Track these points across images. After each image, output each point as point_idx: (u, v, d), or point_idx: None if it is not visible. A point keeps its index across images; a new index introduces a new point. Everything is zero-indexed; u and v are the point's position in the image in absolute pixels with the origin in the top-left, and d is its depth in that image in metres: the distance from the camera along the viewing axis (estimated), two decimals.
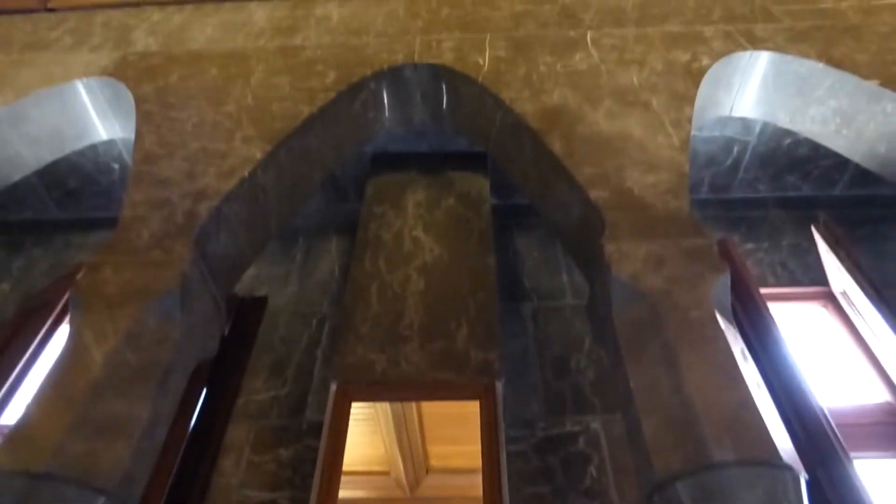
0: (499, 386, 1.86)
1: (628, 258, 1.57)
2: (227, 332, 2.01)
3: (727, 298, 1.58)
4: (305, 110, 2.17)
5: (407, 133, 2.72)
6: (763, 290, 2.11)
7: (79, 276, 1.69)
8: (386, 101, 2.43)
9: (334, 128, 2.32)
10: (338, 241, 2.71)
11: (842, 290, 2.40)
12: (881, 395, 2.12)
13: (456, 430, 3.30)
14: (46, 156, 2.49)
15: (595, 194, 1.77)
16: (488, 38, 2.41)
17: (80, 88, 2.46)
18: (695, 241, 1.60)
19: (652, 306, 1.48)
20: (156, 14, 2.77)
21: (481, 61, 2.30)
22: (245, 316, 2.17)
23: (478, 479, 1.77)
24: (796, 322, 2.50)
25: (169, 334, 1.60)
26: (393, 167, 2.69)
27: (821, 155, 2.80)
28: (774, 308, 2.02)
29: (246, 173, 1.95)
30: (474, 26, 2.48)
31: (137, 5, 2.84)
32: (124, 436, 1.33)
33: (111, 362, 1.45)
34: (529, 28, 2.45)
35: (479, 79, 2.23)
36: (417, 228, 2.39)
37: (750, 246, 2.76)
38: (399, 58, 2.36)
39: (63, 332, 2.35)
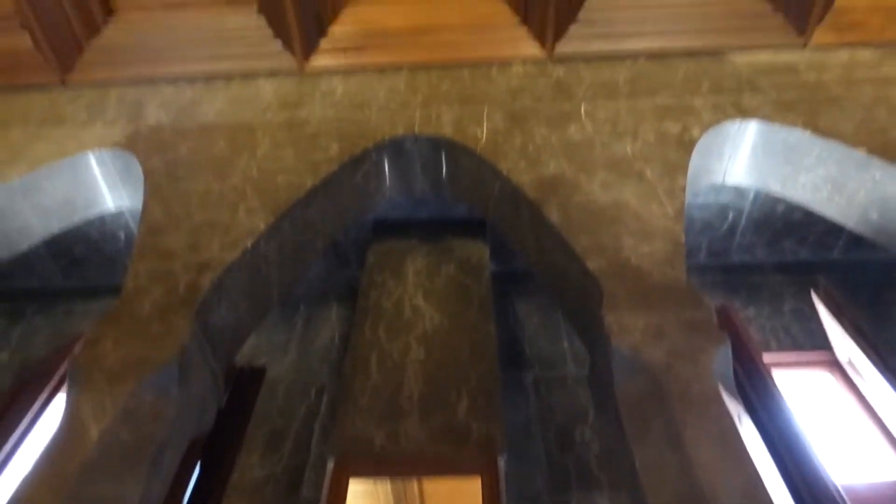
0: (501, 461, 1.81)
1: (628, 329, 1.57)
2: (223, 404, 1.98)
3: (729, 370, 1.56)
4: (309, 182, 2.23)
5: (407, 201, 2.78)
6: (766, 357, 2.08)
7: (78, 348, 1.69)
8: (387, 171, 2.50)
9: (337, 198, 2.38)
10: (338, 309, 2.72)
11: (847, 358, 2.38)
12: (893, 467, 2.05)
13: None
14: (55, 225, 2.54)
15: (593, 264, 1.79)
16: (486, 110, 2.51)
17: (92, 161, 2.55)
18: (694, 312, 1.60)
19: (654, 379, 1.46)
20: (168, 89, 2.90)
21: (479, 133, 2.39)
22: (243, 387, 2.15)
23: None
24: (802, 390, 2.45)
25: (164, 410, 1.58)
26: (394, 234, 2.73)
27: (815, 220, 2.84)
28: (779, 375, 1.99)
29: (249, 245, 1.98)
30: (472, 100, 2.59)
31: (152, 81, 2.98)
32: None
33: (105, 440, 1.43)
34: (525, 101, 2.55)
35: (478, 150, 2.30)
36: (418, 296, 2.40)
37: (751, 311, 2.75)
38: (400, 130, 2.45)
39: (60, 404, 2.32)
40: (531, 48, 2.86)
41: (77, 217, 2.57)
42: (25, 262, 2.71)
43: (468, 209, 2.74)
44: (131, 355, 1.65)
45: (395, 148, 2.46)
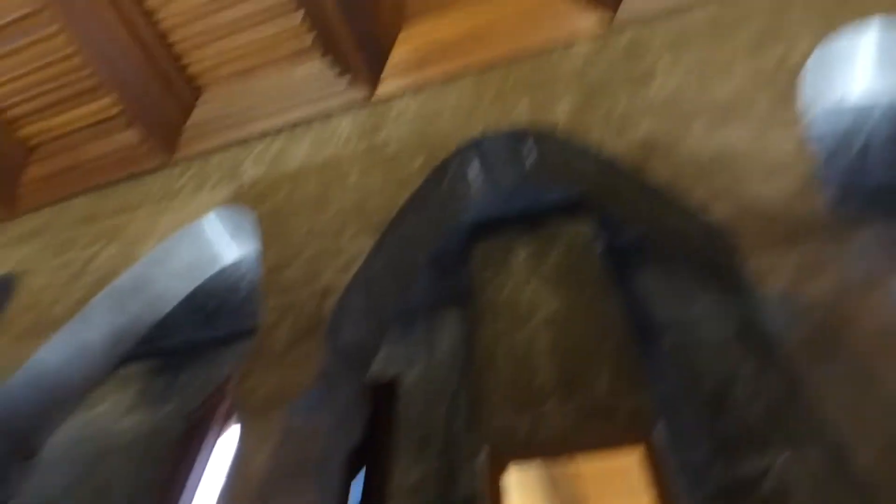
0: (656, 433, 1.70)
1: (776, 272, 1.43)
2: (367, 418, 2.04)
3: None
4: (400, 198, 2.28)
5: (499, 197, 2.76)
6: None
7: (231, 387, 1.82)
8: (473, 172, 2.50)
9: (429, 208, 2.41)
10: (454, 314, 2.72)
11: None
12: None
13: (619, 487, 2.99)
14: (188, 286, 2.79)
15: (717, 212, 1.66)
16: (559, 91, 2.45)
17: (207, 223, 2.78)
18: (846, 242, 1.43)
19: (821, 319, 1.31)
20: (258, 146, 3.12)
21: (557, 114, 2.33)
22: (381, 401, 2.21)
23: None
24: None
25: (317, 429, 1.66)
26: (492, 233, 2.72)
27: None
28: None
29: (359, 266, 2.05)
30: (543, 85, 2.54)
31: (244, 142, 3.22)
32: None
33: (272, 463, 1.51)
34: (597, 73, 2.47)
35: (560, 131, 2.25)
36: (530, 287, 2.36)
37: None
38: (477, 129, 2.45)
39: (229, 436, 2.56)
40: (590, 22, 2.77)
41: (203, 275, 2.80)
42: (170, 321, 2.99)
43: (563, 190, 2.67)
44: (278, 384, 1.74)
45: (477, 149, 2.46)
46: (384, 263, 2.20)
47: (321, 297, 1.95)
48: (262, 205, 2.63)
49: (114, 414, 3.00)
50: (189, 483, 2.28)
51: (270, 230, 2.42)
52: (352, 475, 1.86)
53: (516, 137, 2.43)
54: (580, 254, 2.46)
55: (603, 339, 2.09)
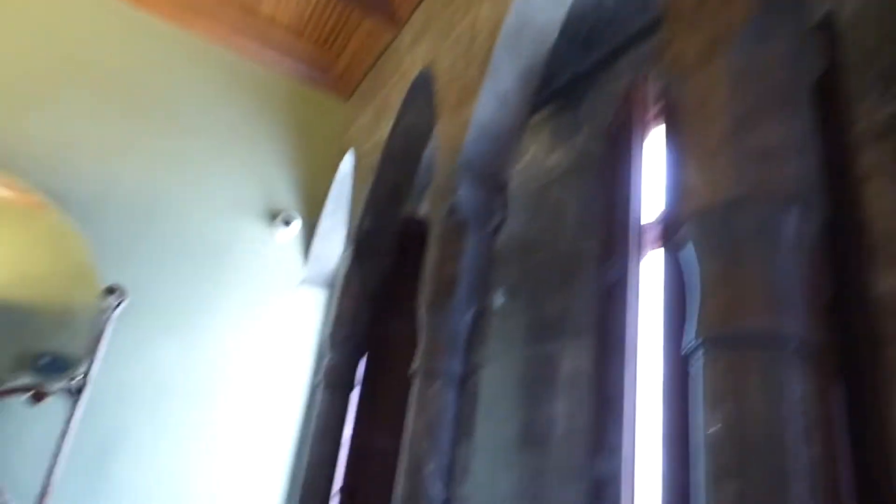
0: None
1: None
2: (821, 60, 1.78)
3: None
4: None
5: None
6: None
7: (662, 63, 1.80)
8: None
9: None
10: None
11: None
12: None
13: None
14: (560, 10, 2.82)
15: None
16: None
17: None
18: None
19: None
20: None
21: None
22: (829, 41, 1.87)
23: None
24: None
25: (768, 63, 1.52)
26: None
27: None
28: None
29: None
30: None
31: None
32: (783, 156, 1.37)
33: (732, 107, 1.49)
34: None
35: None
36: None
37: None
38: None
39: (646, 137, 2.72)
40: None
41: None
42: (556, 62, 3.13)
43: None
44: (706, 36, 1.62)
45: None
46: None
47: None
48: None
49: (540, 155, 3.53)
50: (627, 185, 2.63)
51: None
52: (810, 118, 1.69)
53: None
54: None
55: None
